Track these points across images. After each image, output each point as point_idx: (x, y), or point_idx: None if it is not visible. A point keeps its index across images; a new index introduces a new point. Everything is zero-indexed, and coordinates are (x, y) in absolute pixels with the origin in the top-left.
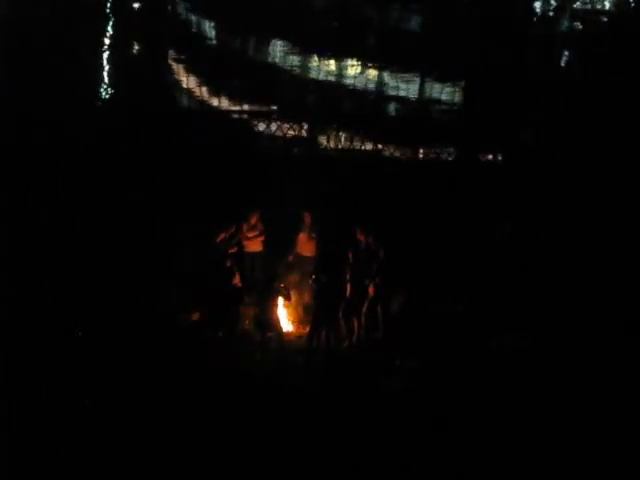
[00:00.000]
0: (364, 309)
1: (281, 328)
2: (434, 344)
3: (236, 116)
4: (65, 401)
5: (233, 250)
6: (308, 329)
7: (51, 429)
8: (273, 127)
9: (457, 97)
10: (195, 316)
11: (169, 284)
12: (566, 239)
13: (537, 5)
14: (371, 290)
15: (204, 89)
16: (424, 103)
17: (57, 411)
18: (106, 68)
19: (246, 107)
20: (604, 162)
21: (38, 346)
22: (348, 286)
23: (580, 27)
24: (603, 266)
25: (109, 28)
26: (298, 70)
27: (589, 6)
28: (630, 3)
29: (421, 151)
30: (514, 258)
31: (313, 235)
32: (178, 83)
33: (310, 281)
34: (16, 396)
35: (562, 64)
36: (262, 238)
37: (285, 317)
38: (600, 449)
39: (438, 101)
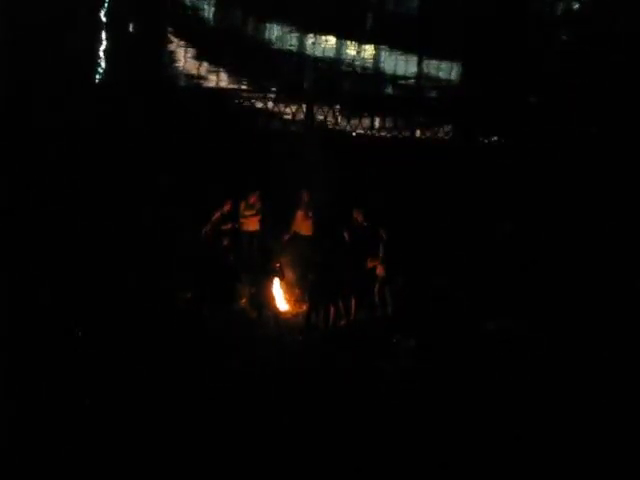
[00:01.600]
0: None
1: (277, 307)
2: (432, 324)
3: (235, 94)
4: (65, 393)
5: (227, 227)
6: (305, 308)
7: (51, 426)
8: (271, 105)
9: (455, 77)
10: (189, 295)
11: (167, 263)
12: (567, 227)
13: None
14: (368, 267)
15: (203, 67)
16: (422, 82)
17: (57, 407)
18: (104, 47)
19: (245, 85)
20: (606, 154)
21: (37, 339)
22: (345, 265)
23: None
24: (603, 260)
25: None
26: (297, 48)
27: None
28: None
29: (419, 131)
30: (512, 243)
31: (310, 214)
32: (177, 61)
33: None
34: (16, 394)
35: (561, 45)
36: (259, 217)
37: (282, 296)
38: (595, 434)
39: (437, 80)
